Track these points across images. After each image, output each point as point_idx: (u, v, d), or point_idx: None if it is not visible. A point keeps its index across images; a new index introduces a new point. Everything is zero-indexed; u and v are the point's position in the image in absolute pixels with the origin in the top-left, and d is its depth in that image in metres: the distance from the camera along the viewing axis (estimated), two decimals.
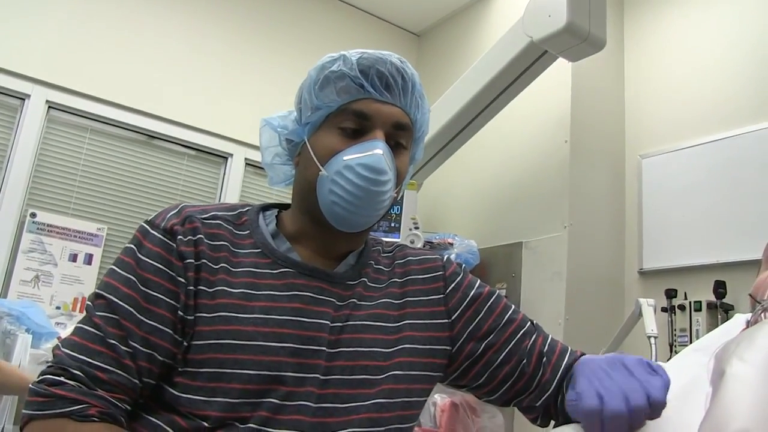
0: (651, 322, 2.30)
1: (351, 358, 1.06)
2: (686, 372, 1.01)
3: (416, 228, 2.85)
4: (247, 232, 1.12)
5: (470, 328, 1.18)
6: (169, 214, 1.08)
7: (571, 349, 1.22)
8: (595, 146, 3.18)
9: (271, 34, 3.75)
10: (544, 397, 1.16)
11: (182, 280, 1.02)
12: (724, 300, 2.60)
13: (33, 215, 2.95)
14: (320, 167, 1.09)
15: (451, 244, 2.98)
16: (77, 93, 3.13)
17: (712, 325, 2.58)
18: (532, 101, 3.12)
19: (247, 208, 1.16)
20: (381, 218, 1.16)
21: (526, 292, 3.01)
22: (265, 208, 1.20)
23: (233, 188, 3.51)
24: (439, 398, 2.70)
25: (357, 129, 1.09)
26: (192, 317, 1.01)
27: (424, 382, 1.14)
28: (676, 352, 2.62)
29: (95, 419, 0.91)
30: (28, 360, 2.41)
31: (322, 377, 1.02)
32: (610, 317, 2.97)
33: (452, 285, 1.21)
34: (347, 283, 1.12)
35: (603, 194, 3.16)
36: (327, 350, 1.04)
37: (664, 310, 2.73)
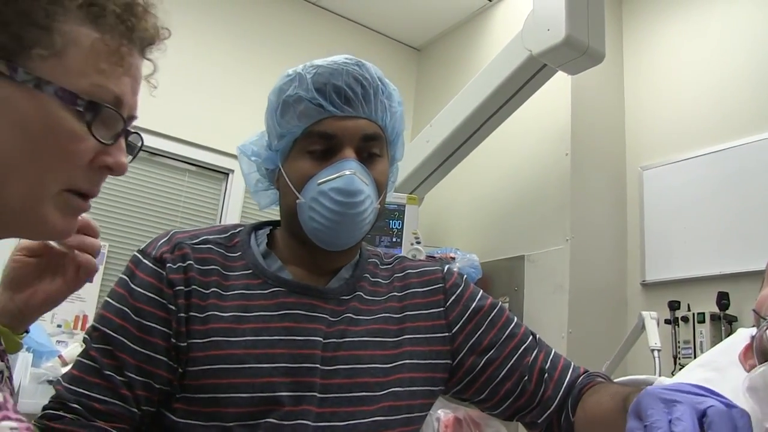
0: (654, 336, 2.29)
1: (349, 375, 1.05)
2: None
3: (418, 242, 2.85)
4: (239, 253, 1.11)
5: (471, 342, 1.17)
6: (160, 242, 1.09)
7: (574, 365, 1.20)
8: (596, 159, 3.17)
9: (271, 50, 3.76)
10: (545, 414, 1.14)
11: (173, 307, 1.02)
12: (727, 311, 2.58)
13: None
14: (297, 195, 1.08)
15: (453, 259, 2.97)
16: None
17: (716, 337, 2.57)
18: (532, 114, 3.12)
19: (239, 229, 1.16)
20: (371, 229, 1.15)
21: (529, 305, 3.00)
22: (258, 227, 1.19)
23: (235, 204, 3.50)
24: (443, 413, 2.68)
25: (326, 150, 1.07)
26: (185, 344, 1.01)
27: (425, 397, 1.13)
28: (680, 365, 2.61)
29: None
30: (28, 379, 2.40)
31: (319, 395, 1.02)
32: (613, 330, 2.96)
33: (453, 297, 1.19)
34: (341, 298, 1.11)
35: (604, 207, 3.15)
36: (321, 367, 1.03)
37: (667, 322, 2.71)
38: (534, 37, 2.61)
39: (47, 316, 2.87)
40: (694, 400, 0.73)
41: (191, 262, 1.06)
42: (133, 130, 0.78)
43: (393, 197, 2.96)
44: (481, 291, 1.24)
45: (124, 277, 1.07)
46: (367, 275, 1.17)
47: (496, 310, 1.22)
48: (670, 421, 0.70)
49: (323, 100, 1.07)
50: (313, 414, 1.01)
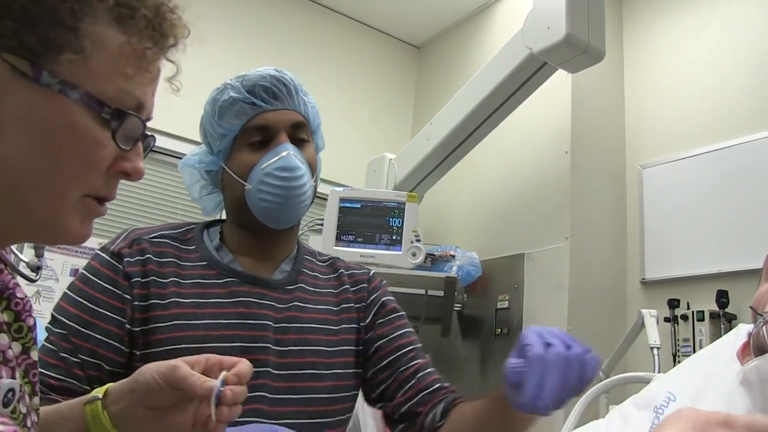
0: (654, 333, 2.29)
1: (300, 355, 1.20)
2: (690, 385, 1.01)
3: (418, 241, 2.85)
4: (193, 247, 1.25)
5: (372, 331, 1.33)
6: (119, 239, 1.22)
7: (448, 384, 1.30)
8: (596, 157, 3.18)
9: (273, 49, 3.76)
10: (402, 410, 1.26)
11: (128, 297, 1.15)
12: (726, 309, 2.59)
13: None
14: (244, 183, 1.23)
15: (453, 257, 2.97)
16: None
17: (716, 335, 2.57)
18: (532, 112, 3.12)
19: (192, 226, 1.30)
20: (307, 209, 1.31)
21: (529, 303, 3.00)
22: (209, 225, 1.34)
23: None
24: None
25: (263, 140, 1.24)
26: (138, 329, 1.13)
27: (356, 379, 1.30)
28: (680, 362, 2.61)
29: None
30: None
31: (274, 371, 1.17)
32: (612, 327, 2.97)
33: (373, 296, 1.36)
34: (286, 288, 1.26)
35: (604, 205, 3.16)
36: (274, 347, 1.18)
37: (666, 320, 2.72)
38: (534, 35, 2.61)
39: (47, 313, 2.87)
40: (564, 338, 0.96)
41: (149, 255, 1.19)
42: (149, 133, 0.77)
43: (393, 195, 2.96)
44: (393, 298, 1.41)
45: (83, 271, 1.19)
46: (306, 270, 1.33)
47: (399, 313, 1.37)
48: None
49: (255, 98, 1.23)
50: (271, 387, 1.15)
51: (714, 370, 1.04)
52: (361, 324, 1.32)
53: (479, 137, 3.00)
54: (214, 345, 1.12)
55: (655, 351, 2.27)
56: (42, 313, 2.87)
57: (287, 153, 1.22)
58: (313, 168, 1.28)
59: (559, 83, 3.03)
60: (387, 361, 1.29)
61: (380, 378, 1.29)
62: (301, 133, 1.27)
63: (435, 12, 4.02)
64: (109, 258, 1.18)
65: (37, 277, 2.15)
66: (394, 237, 2.88)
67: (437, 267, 2.94)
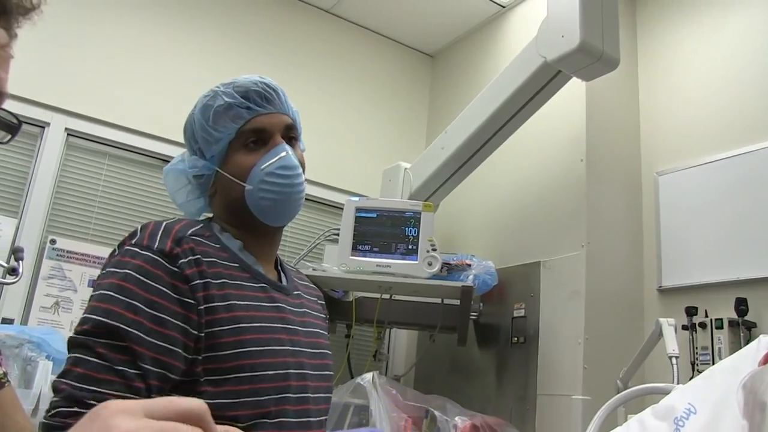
0: (672, 342, 2.28)
1: (320, 357, 1.30)
2: (710, 397, 1.00)
3: (434, 250, 2.85)
4: (219, 245, 1.24)
5: None
6: (158, 235, 1.16)
7: None
8: (611, 164, 3.17)
9: (286, 58, 3.79)
10: None
11: (191, 301, 1.11)
12: (746, 317, 2.57)
13: (53, 242, 2.98)
14: (243, 184, 1.27)
15: (469, 265, 2.97)
16: (95, 120, 3.17)
17: (735, 343, 2.55)
18: (546, 121, 3.12)
19: (200, 224, 1.27)
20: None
21: (545, 312, 2.99)
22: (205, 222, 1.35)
23: None
24: (460, 420, 2.68)
25: (259, 141, 1.30)
26: (204, 333, 1.10)
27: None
28: (698, 371, 2.60)
29: None
30: (48, 387, 2.42)
31: (312, 372, 1.25)
32: (630, 336, 2.95)
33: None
34: (294, 293, 1.35)
35: (620, 212, 3.15)
36: (306, 350, 1.26)
37: (684, 328, 2.70)
38: (548, 43, 2.61)
39: (66, 324, 2.90)
40: None
41: (199, 255, 1.16)
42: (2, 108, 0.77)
43: (409, 204, 2.97)
44: None
45: (128, 271, 1.10)
46: (288, 276, 1.40)
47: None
48: None
49: (250, 102, 1.29)
50: (312, 387, 1.23)
51: (735, 382, 1.04)
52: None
53: (494, 146, 3.00)
54: (271, 348, 1.17)
55: (674, 360, 2.25)
56: (61, 324, 2.89)
57: (286, 153, 1.28)
58: (303, 166, 1.35)
59: (574, 91, 3.03)
60: None
61: None
62: (292, 134, 1.35)
63: (448, 20, 4.02)
64: (158, 257, 1.12)
65: (16, 279, 2.24)
66: (410, 246, 2.88)
67: (453, 276, 2.94)
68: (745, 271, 2.67)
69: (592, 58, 2.55)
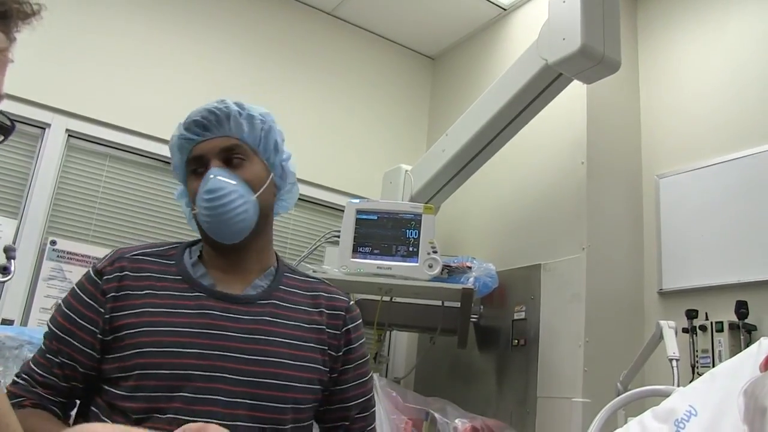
0: (672, 345, 2.27)
1: (260, 364, 1.32)
2: (711, 399, 1.00)
3: (434, 252, 2.85)
4: (174, 262, 1.41)
5: (339, 370, 1.46)
6: (105, 259, 1.41)
7: None
8: (612, 167, 3.17)
9: (287, 60, 3.79)
10: None
11: (102, 310, 1.33)
12: (746, 320, 2.57)
13: (53, 243, 2.98)
14: (194, 208, 1.41)
15: (470, 268, 2.96)
16: (96, 121, 3.17)
17: (735, 346, 2.55)
18: (547, 123, 3.12)
19: (176, 245, 1.47)
20: (261, 221, 1.43)
21: (546, 314, 2.99)
22: (194, 243, 1.50)
23: None
24: (460, 423, 2.68)
25: (200, 168, 1.41)
26: (110, 338, 1.31)
27: (316, 395, 1.41)
28: (699, 374, 2.59)
29: (27, 407, 1.28)
30: None
31: (230, 376, 1.29)
32: (630, 338, 2.95)
33: (349, 329, 1.49)
34: (258, 302, 1.39)
35: (621, 215, 3.14)
36: (233, 355, 1.31)
37: (685, 331, 2.69)
38: (549, 46, 2.61)
39: None
40: None
41: (127, 272, 1.37)
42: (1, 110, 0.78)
43: (409, 207, 2.97)
44: (364, 338, 1.56)
45: (74, 286, 1.40)
46: (283, 286, 1.46)
47: (364, 360, 1.53)
48: None
49: (189, 133, 1.42)
50: (225, 391, 1.27)
51: (735, 385, 1.04)
52: (331, 351, 1.45)
53: (495, 148, 3.00)
54: (173, 350, 1.28)
55: (675, 363, 2.25)
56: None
57: (212, 177, 1.37)
58: (253, 183, 1.40)
59: (575, 94, 3.03)
60: (339, 406, 1.47)
61: (328, 418, 1.48)
62: (233, 155, 1.41)
63: (450, 23, 4.03)
64: (93, 276, 1.38)
65: (7, 278, 2.35)
66: (410, 248, 2.88)
67: (454, 278, 2.94)
68: (746, 274, 2.67)
69: (593, 60, 2.55)
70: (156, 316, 1.32)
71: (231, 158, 1.40)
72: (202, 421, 1.09)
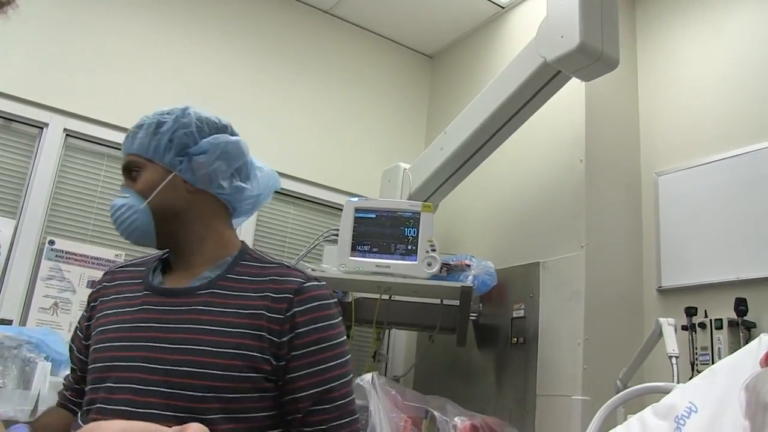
0: (672, 342, 2.28)
1: (178, 353, 1.29)
2: (711, 395, 1.00)
3: (433, 250, 2.84)
4: (144, 268, 1.49)
5: (290, 357, 1.32)
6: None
7: None
8: (611, 165, 3.17)
9: (285, 59, 3.79)
10: None
11: (87, 321, 1.50)
12: (745, 318, 2.57)
13: (51, 243, 2.98)
14: None
15: (468, 266, 2.96)
16: (94, 121, 3.17)
17: (734, 343, 2.55)
18: (546, 121, 3.12)
19: (159, 253, 1.55)
20: (168, 220, 1.44)
21: (545, 312, 2.99)
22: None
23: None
24: (459, 420, 2.68)
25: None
26: (88, 343, 1.45)
27: (247, 383, 1.29)
28: (698, 371, 2.59)
29: (56, 406, 1.57)
30: (47, 387, 2.42)
31: (146, 365, 1.30)
32: (629, 336, 2.95)
33: (295, 313, 1.33)
34: (197, 293, 1.37)
35: (619, 213, 3.14)
36: (151, 344, 1.32)
37: (684, 328, 2.70)
38: (548, 43, 2.61)
39: (65, 325, 2.90)
40: None
41: (105, 283, 1.52)
42: None
43: (408, 205, 2.96)
44: (333, 321, 1.38)
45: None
46: (233, 275, 1.40)
47: (321, 346, 1.34)
48: None
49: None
50: (140, 379, 1.29)
51: (736, 381, 1.03)
52: (272, 336, 1.31)
53: (494, 146, 3.00)
54: (107, 344, 1.38)
55: (674, 360, 2.25)
56: (60, 325, 2.89)
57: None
58: (143, 192, 1.43)
59: (573, 91, 3.03)
60: (290, 397, 1.32)
61: (285, 410, 1.33)
62: (131, 169, 1.46)
63: (448, 21, 4.02)
64: (92, 289, 1.57)
65: None
66: (409, 247, 2.88)
67: (453, 276, 2.93)
68: (745, 271, 2.67)
69: (591, 58, 2.55)
70: (109, 317, 1.43)
71: (131, 173, 1.46)
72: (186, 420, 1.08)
